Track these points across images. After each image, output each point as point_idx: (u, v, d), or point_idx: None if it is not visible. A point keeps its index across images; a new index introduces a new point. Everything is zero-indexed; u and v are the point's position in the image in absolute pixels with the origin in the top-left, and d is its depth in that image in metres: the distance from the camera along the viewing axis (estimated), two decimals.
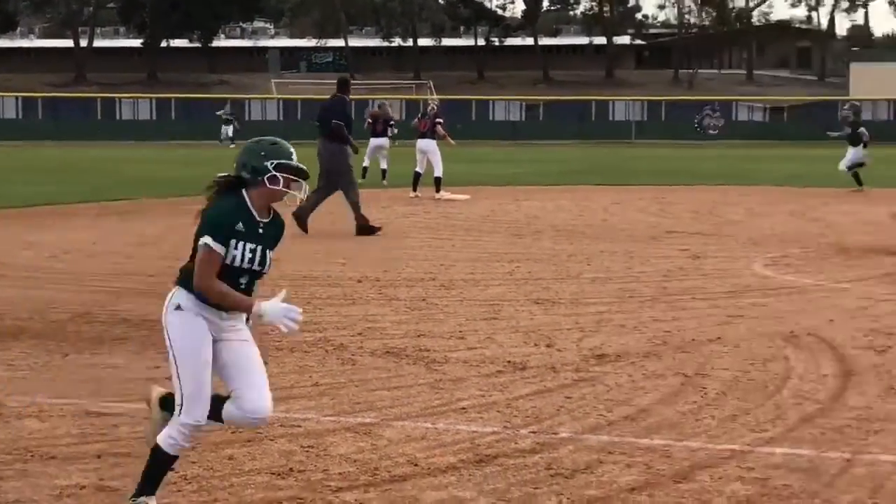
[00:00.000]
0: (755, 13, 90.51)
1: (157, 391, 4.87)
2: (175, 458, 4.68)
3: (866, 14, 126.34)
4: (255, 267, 4.61)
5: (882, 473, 5.34)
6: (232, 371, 4.62)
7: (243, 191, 4.64)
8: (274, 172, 4.59)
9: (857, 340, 8.35)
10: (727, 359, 7.84)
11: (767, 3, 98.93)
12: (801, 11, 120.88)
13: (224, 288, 4.53)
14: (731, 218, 18.32)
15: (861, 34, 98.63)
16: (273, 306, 4.51)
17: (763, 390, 6.97)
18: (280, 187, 4.60)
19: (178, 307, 4.60)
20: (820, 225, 17.10)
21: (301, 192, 4.72)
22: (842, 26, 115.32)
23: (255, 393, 4.60)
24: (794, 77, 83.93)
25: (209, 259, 4.51)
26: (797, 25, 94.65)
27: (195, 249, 4.58)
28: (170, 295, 4.65)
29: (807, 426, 6.17)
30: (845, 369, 7.48)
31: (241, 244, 4.56)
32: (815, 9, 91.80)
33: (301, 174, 4.66)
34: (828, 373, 7.38)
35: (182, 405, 4.56)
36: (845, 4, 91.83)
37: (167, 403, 4.72)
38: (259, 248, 4.60)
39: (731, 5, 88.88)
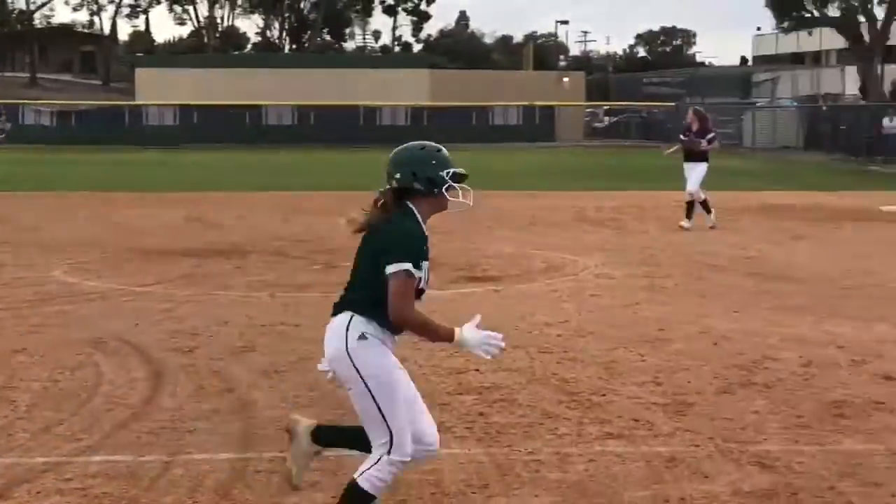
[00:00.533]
0: (37, 15, 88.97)
1: (305, 422, 4.60)
2: (374, 498, 4.32)
3: (147, 20, 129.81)
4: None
5: (199, 472, 5.57)
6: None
7: (409, 203, 4.30)
8: (450, 182, 4.32)
9: (163, 342, 8.59)
10: (35, 369, 7.66)
11: (49, 6, 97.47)
12: (83, 16, 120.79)
13: (424, 317, 4.26)
14: (26, 224, 17.83)
15: (143, 40, 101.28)
16: (473, 334, 4.34)
17: (76, 399, 6.92)
18: (458, 198, 4.36)
19: (363, 336, 4.26)
20: (119, 229, 17.24)
21: (470, 200, 4.42)
22: (124, 31, 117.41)
23: (428, 421, 4.40)
24: (78, 81, 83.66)
25: (408, 286, 4.19)
26: (80, 30, 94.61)
27: (363, 270, 4.27)
28: (342, 324, 4.30)
29: (123, 432, 6.24)
30: (155, 372, 7.66)
31: (424, 264, 4.28)
32: (98, 14, 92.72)
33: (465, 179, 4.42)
34: (139, 377, 7.50)
35: (392, 441, 4.24)
36: (126, 10, 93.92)
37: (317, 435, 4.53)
38: (427, 264, 4.33)
39: (11, 6, 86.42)
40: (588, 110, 71.37)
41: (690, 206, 17.40)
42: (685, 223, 17.27)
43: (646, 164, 38.94)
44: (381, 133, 57.57)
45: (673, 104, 61.70)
